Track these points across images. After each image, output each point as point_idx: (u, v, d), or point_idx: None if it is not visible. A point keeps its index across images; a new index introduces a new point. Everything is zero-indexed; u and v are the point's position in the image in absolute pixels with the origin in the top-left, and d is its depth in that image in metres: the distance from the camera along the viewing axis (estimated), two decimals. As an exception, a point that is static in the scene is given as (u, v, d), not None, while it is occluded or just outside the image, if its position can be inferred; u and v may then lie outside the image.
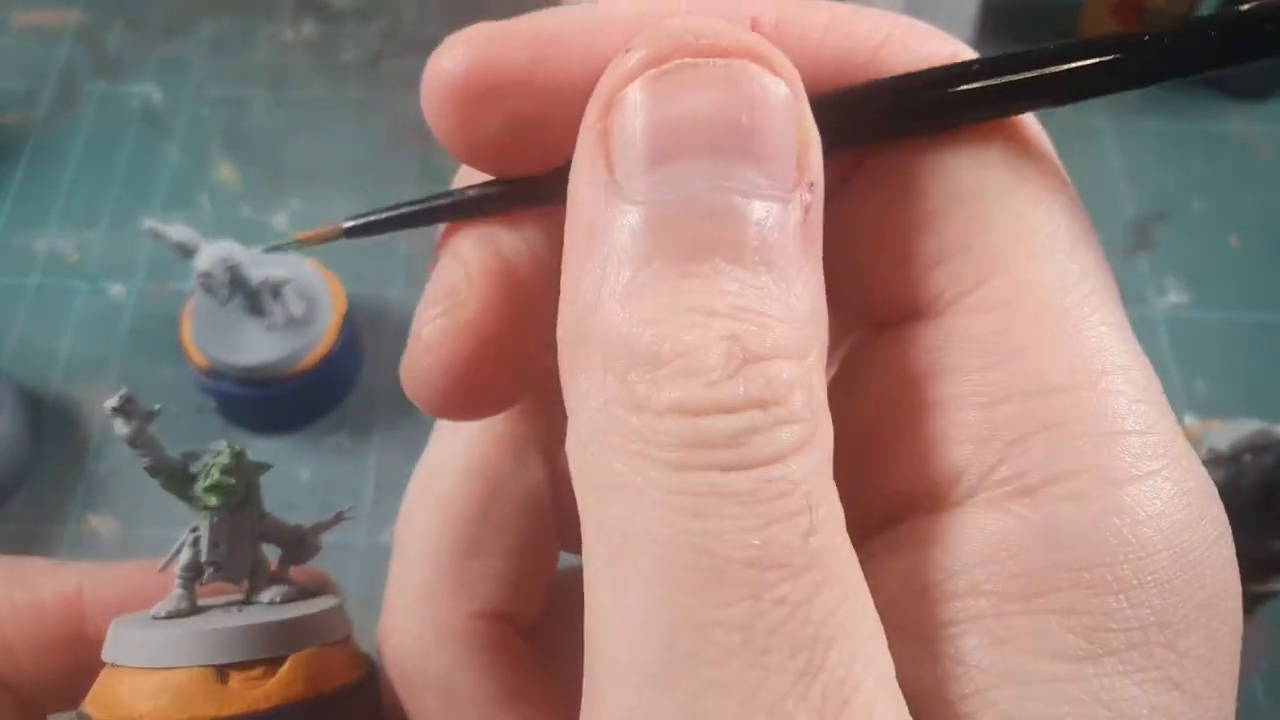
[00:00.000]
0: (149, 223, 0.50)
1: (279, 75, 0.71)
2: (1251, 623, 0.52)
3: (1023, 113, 0.16)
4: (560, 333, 0.14)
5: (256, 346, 0.53)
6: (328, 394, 0.57)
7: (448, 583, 0.21)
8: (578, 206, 0.14)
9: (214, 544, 0.21)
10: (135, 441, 0.20)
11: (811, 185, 0.14)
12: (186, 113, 0.69)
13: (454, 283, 0.17)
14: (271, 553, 0.23)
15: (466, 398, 0.17)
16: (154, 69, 0.71)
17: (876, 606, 0.14)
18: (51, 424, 0.57)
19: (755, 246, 0.13)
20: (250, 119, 0.69)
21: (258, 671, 0.20)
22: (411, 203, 0.18)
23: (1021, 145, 0.16)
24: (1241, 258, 0.65)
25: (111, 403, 0.20)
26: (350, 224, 0.18)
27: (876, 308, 0.17)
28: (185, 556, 0.21)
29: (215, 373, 0.53)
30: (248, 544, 0.22)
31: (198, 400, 0.57)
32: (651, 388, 0.13)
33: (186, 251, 0.51)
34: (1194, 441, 0.49)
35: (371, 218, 0.19)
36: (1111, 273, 0.16)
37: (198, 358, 0.54)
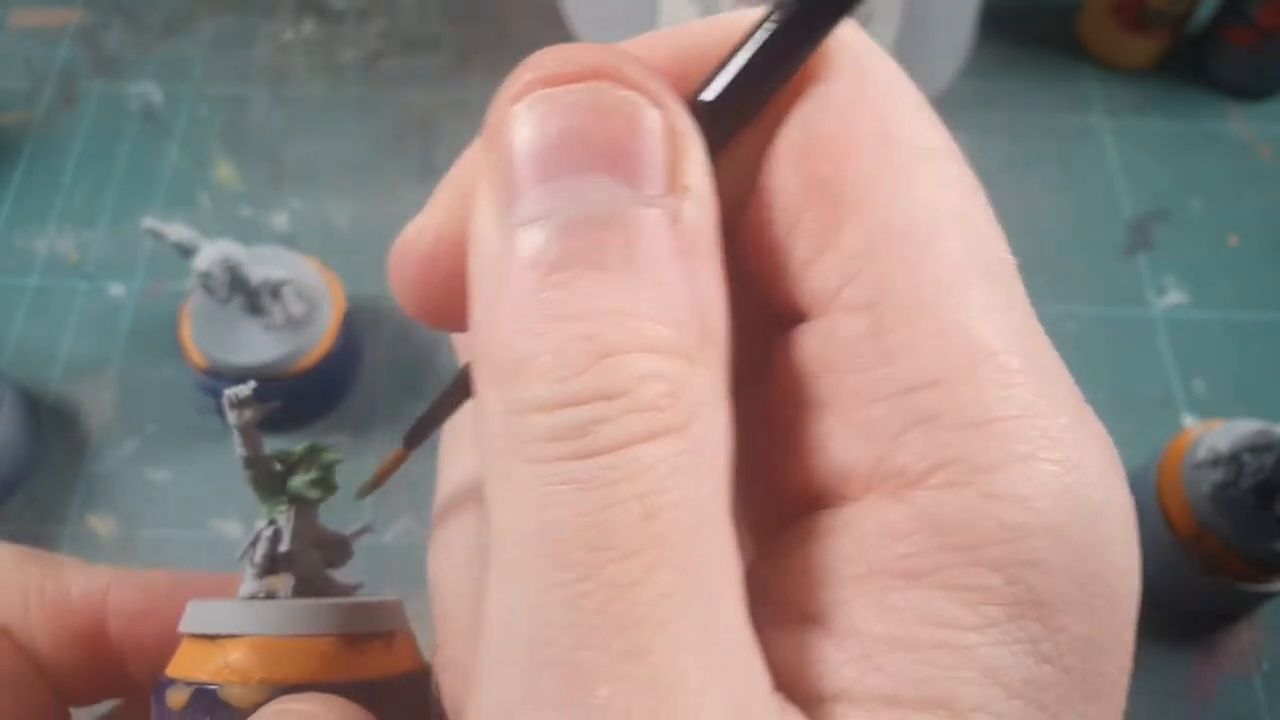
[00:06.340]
0: (149, 222, 0.50)
1: (279, 75, 0.71)
2: (1250, 623, 0.52)
3: (810, 44, 0.16)
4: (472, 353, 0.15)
5: (256, 346, 0.53)
6: (328, 394, 0.57)
7: None
8: (471, 232, 0.15)
9: (295, 536, 0.22)
10: (245, 431, 0.21)
11: (688, 190, 0.15)
12: (186, 112, 0.69)
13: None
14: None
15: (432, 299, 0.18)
16: (154, 68, 0.71)
17: (784, 596, 0.15)
18: (51, 424, 0.57)
19: (620, 252, 0.14)
20: (250, 119, 0.69)
21: (379, 643, 0.20)
22: (447, 387, 0.19)
23: (849, 91, 0.16)
24: (1241, 258, 0.65)
25: (244, 392, 0.21)
26: (408, 437, 0.21)
27: (778, 310, 0.17)
28: (264, 547, 0.22)
29: (215, 373, 0.53)
30: (312, 540, 0.23)
31: (198, 400, 0.57)
32: (516, 390, 0.14)
33: (186, 251, 0.51)
34: (1194, 441, 0.49)
35: (422, 421, 0.20)
36: (991, 232, 0.16)
37: (197, 358, 0.54)
